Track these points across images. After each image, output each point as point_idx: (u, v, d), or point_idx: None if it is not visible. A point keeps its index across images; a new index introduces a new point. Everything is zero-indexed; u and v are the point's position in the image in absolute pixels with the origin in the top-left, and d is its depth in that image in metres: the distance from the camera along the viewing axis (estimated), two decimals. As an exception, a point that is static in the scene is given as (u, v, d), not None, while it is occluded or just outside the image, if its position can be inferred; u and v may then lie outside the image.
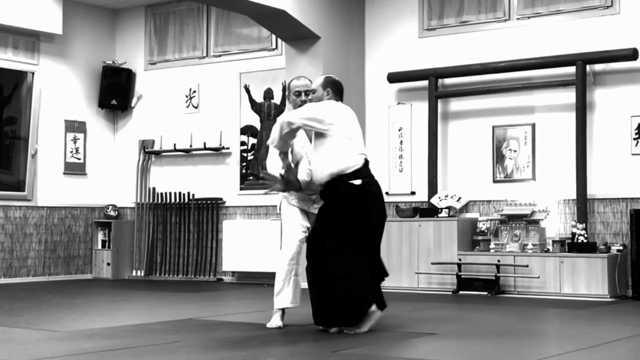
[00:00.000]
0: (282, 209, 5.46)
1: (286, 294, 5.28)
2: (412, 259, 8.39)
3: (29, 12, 9.76)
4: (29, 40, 10.04)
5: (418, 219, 8.45)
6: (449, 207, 8.40)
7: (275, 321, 5.32)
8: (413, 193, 8.97)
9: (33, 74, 10.11)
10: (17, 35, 9.89)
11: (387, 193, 9.07)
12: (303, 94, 5.47)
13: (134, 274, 10.56)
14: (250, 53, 9.94)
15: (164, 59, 10.64)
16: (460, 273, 8.06)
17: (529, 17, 8.48)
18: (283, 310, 5.36)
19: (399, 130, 9.09)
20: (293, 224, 5.33)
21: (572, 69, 8.07)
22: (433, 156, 8.71)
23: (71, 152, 10.45)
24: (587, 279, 7.54)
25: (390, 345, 4.77)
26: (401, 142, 9.07)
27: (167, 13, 10.63)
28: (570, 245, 7.73)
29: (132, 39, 10.88)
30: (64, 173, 10.39)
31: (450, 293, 8.05)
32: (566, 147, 8.17)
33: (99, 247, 10.54)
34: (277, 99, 9.71)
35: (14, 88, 10.11)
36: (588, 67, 8.05)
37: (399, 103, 9.15)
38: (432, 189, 8.67)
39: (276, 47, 9.74)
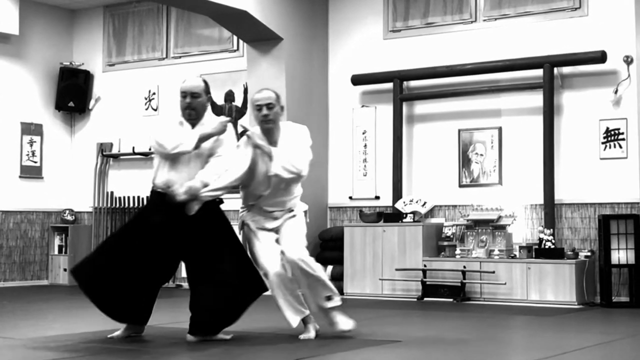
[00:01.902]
0: (246, 234, 5.23)
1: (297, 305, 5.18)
2: (376, 265, 8.29)
3: (-16, 12, 9.62)
4: (-16, 40, 9.89)
5: (382, 224, 8.38)
6: (413, 212, 8.33)
7: (310, 333, 5.17)
8: (377, 197, 8.88)
9: (-12, 74, 9.97)
10: (-29, 35, 9.75)
11: (350, 197, 9.01)
12: (264, 107, 5.04)
13: (91, 281, 10.32)
14: (211, 54, 9.85)
15: (122, 61, 10.51)
16: (425, 279, 7.99)
17: (495, 19, 8.42)
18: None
19: (363, 133, 9.00)
20: (267, 248, 5.13)
21: (539, 72, 8.01)
22: (398, 160, 8.64)
23: (27, 155, 10.31)
24: (555, 285, 7.48)
25: (353, 353, 4.72)
26: (365, 145, 8.98)
27: (125, 14, 10.50)
28: (538, 251, 7.68)
29: (90, 40, 10.73)
30: (20, 176, 10.24)
31: (415, 300, 7.98)
32: (533, 151, 8.11)
33: (56, 252, 10.41)
34: (238, 102, 9.58)
35: (-32, 89, 9.99)
36: (556, 70, 8.00)
37: (363, 106, 9.05)
38: (397, 194, 8.59)
39: (237, 49, 9.65)
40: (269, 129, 5.05)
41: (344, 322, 5.12)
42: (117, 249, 5.07)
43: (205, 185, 4.92)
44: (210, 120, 5.08)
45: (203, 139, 4.97)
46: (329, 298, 5.05)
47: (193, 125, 5.03)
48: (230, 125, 5.10)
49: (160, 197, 4.99)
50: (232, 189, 5.11)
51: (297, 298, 5.07)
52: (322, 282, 5.05)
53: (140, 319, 5.16)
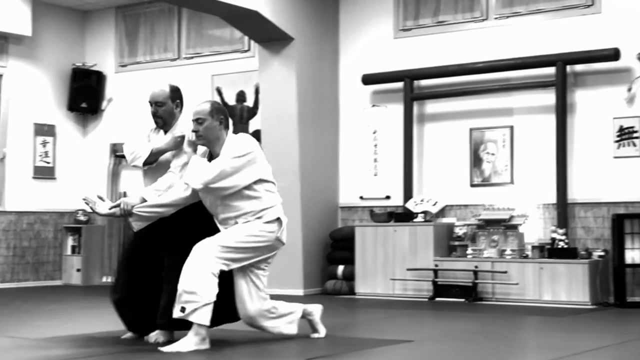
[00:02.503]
0: None
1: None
2: (387, 265, 8.24)
3: (-3, 14, 9.66)
4: (-3, 41, 9.92)
5: (393, 224, 8.32)
6: (424, 212, 8.28)
7: (320, 332, 5.14)
8: (388, 197, 8.84)
9: (1, 76, 10.00)
10: (-15, 37, 9.78)
11: (361, 197, 8.97)
12: (195, 122, 4.73)
13: (104, 280, 10.40)
14: (223, 55, 9.83)
15: (134, 61, 10.51)
16: (436, 279, 7.93)
17: (507, 17, 8.36)
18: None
19: (374, 133, 8.96)
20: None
21: (552, 70, 7.94)
22: (408, 160, 8.59)
23: (40, 155, 10.33)
24: (568, 285, 7.41)
25: (364, 352, 4.70)
26: (376, 145, 8.94)
27: (137, 14, 10.51)
28: (550, 251, 7.60)
29: (102, 41, 10.75)
30: (33, 177, 10.26)
31: (427, 300, 7.93)
32: (546, 150, 8.04)
33: (69, 252, 10.42)
34: (249, 102, 9.56)
35: (-18, 91, 10.02)
36: (568, 68, 7.93)
37: (373, 105, 9.01)
38: (408, 193, 8.55)
39: (249, 49, 9.63)
40: (204, 144, 4.77)
41: (179, 345, 4.58)
42: (126, 262, 5.11)
43: (143, 201, 4.77)
44: (180, 125, 4.99)
45: (156, 154, 4.92)
46: (182, 309, 4.55)
47: (165, 132, 5.02)
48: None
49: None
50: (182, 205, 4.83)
51: (276, 314, 4.92)
52: (185, 291, 4.55)
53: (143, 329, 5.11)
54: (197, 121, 4.72)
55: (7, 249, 9.94)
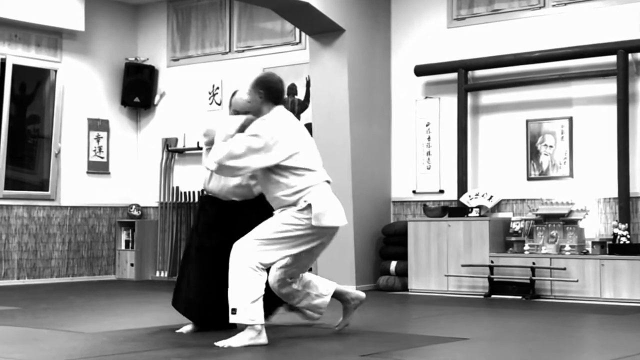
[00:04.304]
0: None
1: None
2: (441, 261, 8.10)
3: (52, 10, 9.76)
4: (52, 37, 10.02)
5: (447, 218, 8.19)
6: (479, 206, 8.12)
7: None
8: (441, 191, 8.69)
9: (56, 71, 10.11)
10: (39, 33, 9.89)
11: (414, 191, 8.86)
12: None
13: (157, 274, 10.47)
14: (274, 48, 9.78)
15: (186, 55, 10.53)
16: (492, 276, 7.77)
17: (565, 4, 8.14)
18: None
19: (427, 125, 8.81)
20: None
21: (612, 58, 7.70)
22: (463, 152, 8.43)
23: (94, 151, 10.42)
24: (630, 282, 7.19)
25: (419, 349, 4.65)
26: (429, 138, 8.79)
27: (189, 8, 10.52)
28: (612, 247, 7.40)
29: (154, 35, 10.80)
30: (87, 172, 10.36)
31: (482, 297, 7.78)
32: (607, 142, 7.81)
33: (123, 247, 10.52)
34: (300, 95, 9.51)
35: (37, 86, 10.14)
36: (630, 56, 7.68)
37: (426, 97, 8.86)
38: (462, 187, 8.39)
39: (300, 41, 9.56)
40: (253, 114, 4.87)
41: (233, 340, 4.59)
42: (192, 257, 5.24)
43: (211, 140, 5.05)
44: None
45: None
46: (233, 311, 4.56)
47: None
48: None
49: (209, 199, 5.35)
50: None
51: (299, 288, 5.02)
52: (231, 292, 4.59)
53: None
54: (248, 92, 4.91)
55: (62, 243, 10.07)
